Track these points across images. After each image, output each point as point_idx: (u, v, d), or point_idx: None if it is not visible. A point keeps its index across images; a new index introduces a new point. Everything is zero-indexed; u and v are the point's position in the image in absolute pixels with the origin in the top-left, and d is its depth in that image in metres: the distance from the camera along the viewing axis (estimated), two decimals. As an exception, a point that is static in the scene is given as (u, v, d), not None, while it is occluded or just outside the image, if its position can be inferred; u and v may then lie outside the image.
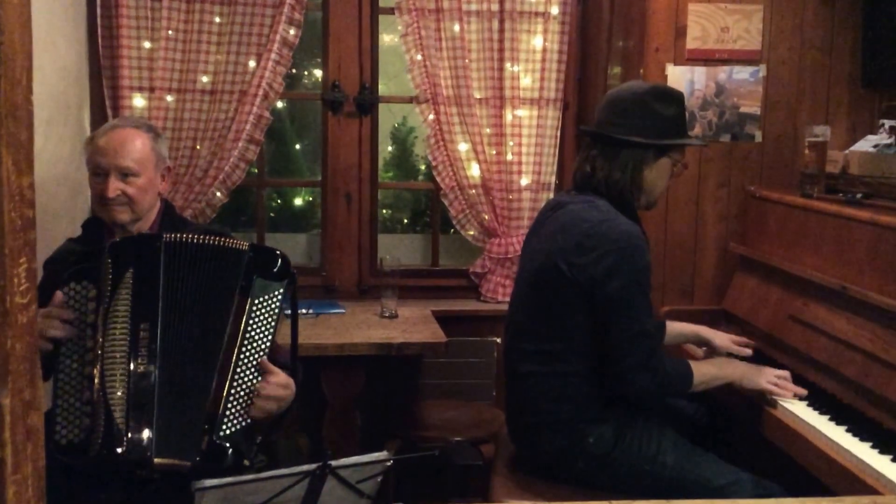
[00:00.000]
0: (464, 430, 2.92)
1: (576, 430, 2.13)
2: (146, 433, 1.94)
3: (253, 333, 2.01)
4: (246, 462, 2.00)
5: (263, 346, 2.02)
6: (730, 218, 3.04)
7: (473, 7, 3.29)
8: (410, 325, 2.98)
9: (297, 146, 3.77)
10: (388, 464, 1.77)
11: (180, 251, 2.02)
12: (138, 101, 3.19)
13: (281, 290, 2.04)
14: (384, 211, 3.72)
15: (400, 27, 3.29)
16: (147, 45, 3.18)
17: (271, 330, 2.03)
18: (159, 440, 1.94)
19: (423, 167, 3.58)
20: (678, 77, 2.97)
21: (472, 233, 3.40)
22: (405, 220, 3.88)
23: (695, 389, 2.17)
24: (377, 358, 2.80)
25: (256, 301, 2.01)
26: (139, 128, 2.28)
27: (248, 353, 2.00)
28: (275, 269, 2.05)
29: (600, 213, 2.14)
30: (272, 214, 3.72)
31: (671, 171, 2.26)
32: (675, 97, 2.26)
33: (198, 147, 3.19)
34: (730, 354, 2.42)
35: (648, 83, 2.41)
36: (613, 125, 2.20)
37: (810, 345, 2.36)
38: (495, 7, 3.29)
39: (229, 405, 1.97)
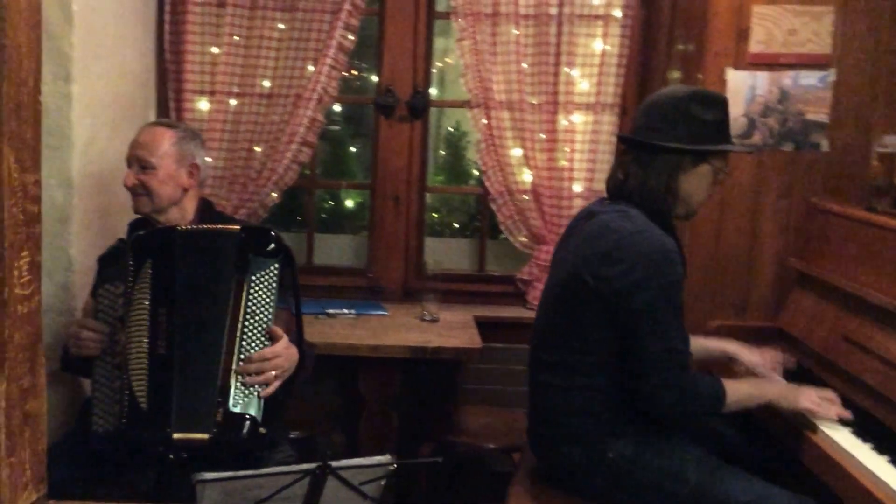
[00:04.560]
0: (498, 437, 2.91)
1: (596, 445, 2.09)
2: (165, 411, 2.06)
3: (253, 308, 2.14)
4: (262, 430, 2.09)
5: (265, 319, 2.15)
6: (790, 231, 2.90)
7: (530, 11, 3.27)
8: (449, 329, 2.99)
9: (352, 149, 3.82)
10: (391, 467, 1.79)
11: (189, 240, 2.18)
12: (202, 104, 3.30)
13: (276, 266, 2.18)
14: (433, 215, 3.74)
15: (455, 31, 3.30)
16: (212, 49, 3.28)
17: (270, 304, 2.17)
18: (177, 416, 2.06)
19: (474, 172, 3.58)
20: (739, 82, 2.86)
21: (520, 239, 3.39)
22: (454, 225, 3.89)
23: (728, 409, 2.08)
24: (415, 360, 2.83)
25: (253, 277, 2.15)
26: (170, 127, 2.48)
27: (250, 326, 2.14)
28: (268, 248, 2.19)
29: (631, 223, 2.09)
30: (324, 215, 3.78)
31: (713, 179, 2.18)
32: (717, 101, 2.17)
33: (254, 149, 3.28)
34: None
35: (690, 87, 2.34)
36: (649, 130, 2.14)
37: (862, 368, 2.24)
38: (553, 10, 3.26)
39: (238, 376, 2.10)
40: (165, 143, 2.40)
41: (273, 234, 2.21)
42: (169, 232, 2.23)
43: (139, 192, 2.39)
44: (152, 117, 3.27)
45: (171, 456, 2.07)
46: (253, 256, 2.16)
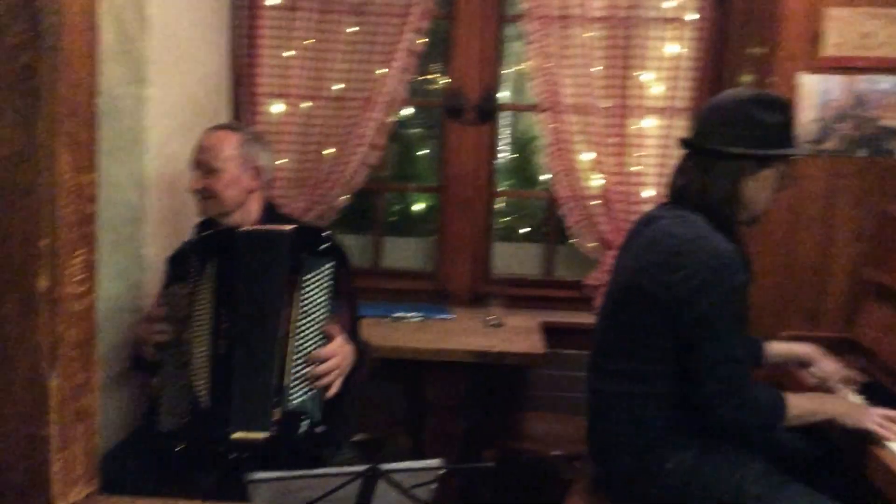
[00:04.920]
0: (563, 444, 2.86)
1: (654, 455, 2.03)
2: (224, 411, 2.09)
3: (307, 307, 2.16)
4: (320, 429, 2.11)
5: (319, 318, 2.16)
6: (864, 240, 2.78)
7: (602, 13, 3.22)
8: (514, 334, 2.96)
9: (423, 152, 3.82)
10: (443, 471, 1.77)
11: (247, 241, 2.21)
12: (274, 107, 3.34)
13: (329, 265, 2.19)
14: (502, 219, 3.70)
15: (525, 35, 3.27)
16: (285, 53, 3.32)
17: (324, 303, 2.17)
18: (235, 416, 2.09)
19: (544, 176, 3.54)
20: (811, 86, 2.77)
21: (589, 244, 3.32)
22: (523, 230, 3.85)
23: (789, 423, 2.01)
24: (481, 365, 2.80)
25: (307, 277, 2.17)
26: (233, 130, 2.52)
27: (305, 325, 2.15)
28: (320, 247, 2.20)
29: (692, 229, 2.03)
30: (392, 218, 3.78)
31: (776, 185, 2.10)
32: (781, 104, 2.10)
33: (324, 151, 3.31)
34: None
35: (752, 89, 2.27)
36: (711, 134, 2.08)
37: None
38: (623, 13, 3.20)
39: (293, 375, 2.11)
40: (229, 146, 2.43)
41: (325, 233, 2.23)
42: (230, 233, 2.26)
43: (204, 195, 2.42)
44: (225, 120, 3.34)
45: (231, 455, 2.10)
46: (306, 256, 2.17)
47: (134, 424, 2.65)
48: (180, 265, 2.33)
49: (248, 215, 2.45)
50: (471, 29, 3.37)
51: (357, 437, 2.69)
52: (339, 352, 2.17)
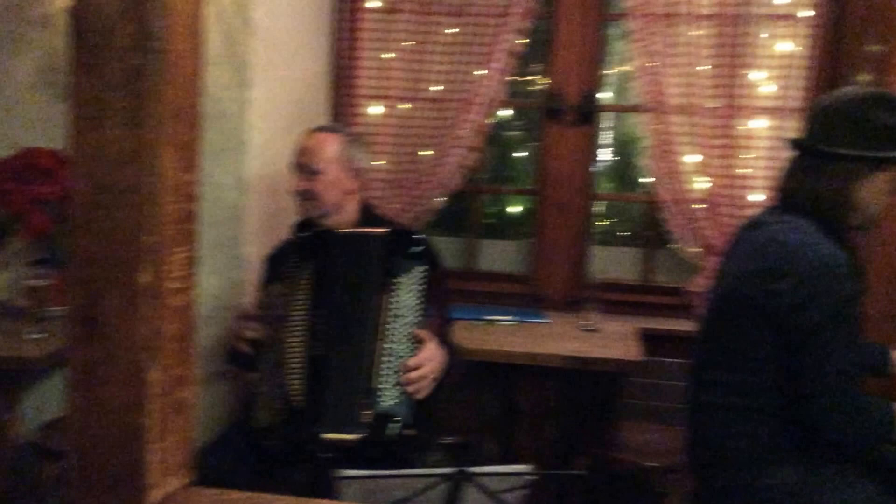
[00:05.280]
0: (659, 455, 2.78)
1: (755, 470, 1.95)
2: (318, 411, 2.13)
3: (399, 310, 2.17)
4: (411, 432, 2.12)
5: (410, 321, 2.17)
6: None
7: (710, 11, 3.12)
8: (610, 340, 2.90)
9: (519, 154, 3.79)
10: (532, 477, 1.74)
11: (343, 243, 2.25)
12: (373, 108, 3.38)
13: (421, 268, 2.20)
14: (600, 222, 3.64)
15: (629, 33, 3.20)
16: (384, 55, 3.35)
17: (416, 306, 2.19)
18: (327, 417, 2.12)
19: (645, 179, 3.46)
20: (934, 86, 2.62)
21: (691, 249, 3.23)
22: (622, 233, 3.77)
23: None
24: (575, 371, 2.76)
25: (398, 279, 2.18)
26: (334, 132, 2.54)
27: (396, 328, 2.16)
28: (413, 250, 2.22)
29: (800, 234, 1.94)
30: (488, 220, 3.77)
31: (891, 188, 1.99)
32: None
33: (420, 153, 3.32)
34: None
35: (867, 88, 2.15)
36: (822, 135, 1.98)
37: None
38: (734, 10, 3.10)
39: (384, 377, 2.13)
40: (330, 148, 2.45)
41: (417, 235, 2.24)
42: (327, 235, 2.29)
43: (305, 197, 2.45)
44: (324, 122, 3.39)
45: (322, 454, 2.13)
46: (398, 259, 2.19)
47: (230, 419, 2.72)
48: (278, 264, 2.38)
49: (346, 216, 2.47)
50: (572, 28, 3.33)
51: (446, 440, 2.69)
52: (430, 357, 2.17)
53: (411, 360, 2.14)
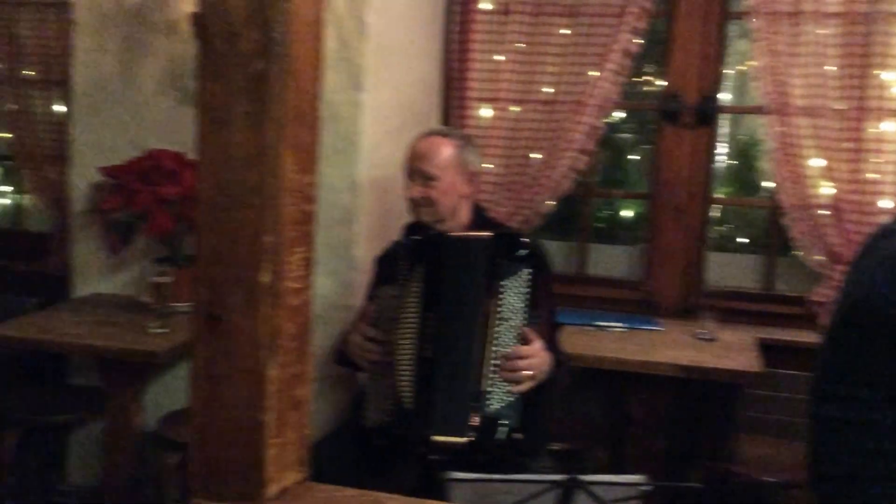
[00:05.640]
0: (778, 470, 2.67)
1: (881, 491, 1.84)
2: (428, 414, 2.14)
3: (505, 313, 2.16)
4: (518, 436, 2.09)
5: (516, 324, 2.16)
6: None
7: (838, 9, 2.98)
8: (727, 350, 2.80)
9: (632, 156, 3.72)
10: (646, 488, 1.70)
11: (453, 246, 2.25)
12: (484, 111, 3.38)
13: (527, 271, 2.17)
14: (718, 228, 3.53)
15: (750, 32, 3.10)
16: (496, 57, 3.35)
17: (522, 309, 2.17)
18: (437, 419, 2.13)
19: (766, 183, 3.33)
20: None
21: (815, 257, 3.09)
22: (741, 239, 3.64)
23: None
24: (689, 381, 2.68)
25: (504, 282, 2.17)
26: (448, 136, 2.53)
27: (503, 331, 2.15)
28: (519, 253, 2.19)
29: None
30: (599, 224, 3.71)
31: None
32: None
33: (531, 156, 3.29)
34: None
35: None
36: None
37: None
38: (864, 8, 2.95)
39: (491, 381, 2.13)
40: (445, 153, 2.44)
41: (523, 239, 2.23)
42: (439, 238, 2.30)
43: (421, 204, 2.44)
44: (435, 124, 3.40)
45: (431, 456, 2.14)
46: (504, 261, 2.18)
47: (341, 418, 2.77)
48: (388, 266, 2.40)
49: (458, 220, 2.47)
50: (691, 27, 3.24)
51: (554, 447, 2.65)
52: (535, 354, 2.15)
53: (515, 350, 2.13)
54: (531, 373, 2.15)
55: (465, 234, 2.32)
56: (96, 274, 3.21)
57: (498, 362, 2.14)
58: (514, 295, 2.17)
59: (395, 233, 2.72)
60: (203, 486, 1.43)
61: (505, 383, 2.13)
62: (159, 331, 2.70)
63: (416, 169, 2.44)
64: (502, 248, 2.20)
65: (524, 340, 2.16)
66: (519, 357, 2.13)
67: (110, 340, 2.64)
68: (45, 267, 3.57)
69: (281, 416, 1.43)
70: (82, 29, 3.12)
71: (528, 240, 2.24)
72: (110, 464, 2.78)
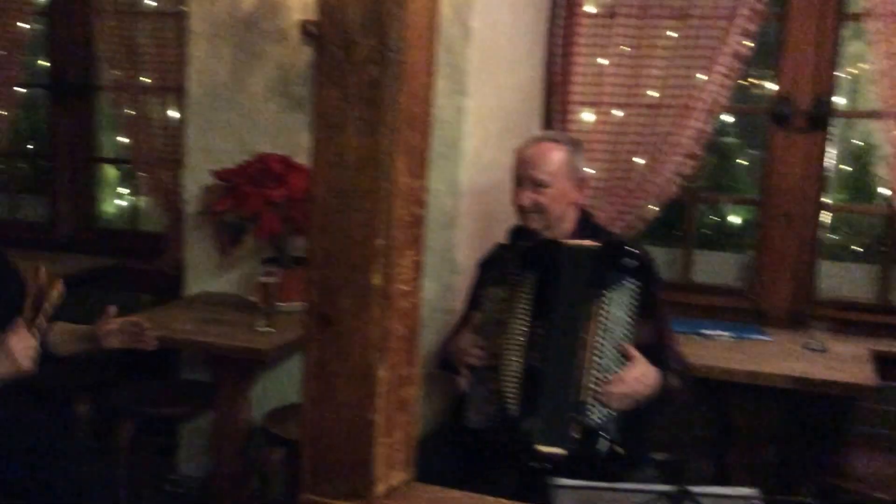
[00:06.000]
0: (892, 487, 2.55)
1: None
2: (532, 423, 2.13)
3: (609, 324, 2.12)
4: (620, 450, 2.06)
5: (620, 336, 2.12)
6: None
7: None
8: (839, 362, 2.70)
9: (741, 161, 3.62)
10: (755, 502, 1.65)
11: (568, 256, 2.21)
12: (586, 115, 3.35)
13: (635, 284, 2.13)
14: (831, 235, 3.40)
15: (865, 34, 2.98)
16: (599, 61, 3.31)
17: (626, 321, 2.12)
18: (542, 429, 2.10)
19: (883, 190, 3.19)
20: None
21: (936, 267, 2.95)
22: (855, 248, 3.50)
23: None
24: (796, 393, 2.59)
25: (609, 294, 2.12)
26: (559, 141, 2.48)
27: (605, 344, 2.12)
28: (627, 264, 2.14)
29: None
30: (705, 231, 3.62)
31: None
32: None
33: (635, 160, 3.25)
34: None
35: None
36: None
37: None
38: None
39: (591, 392, 2.10)
40: (557, 159, 2.40)
41: (631, 249, 2.17)
42: (554, 246, 2.26)
43: (532, 210, 2.40)
44: (537, 129, 3.39)
45: (533, 464, 2.13)
46: (611, 272, 2.14)
47: (439, 419, 2.78)
48: (489, 270, 2.40)
49: (565, 226, 2.44)
50: (804, 29, 3.13)
51: (657, 456, 2.61)
52: (637, 376, 2.11)
53: (615, 375, 2.09)
54: (630, 397, 2.11)
55: (578, 242, 2.26)
56: (206, 273, 3.33)
57: (598, 374, 2.11)
58: (618, 306, 2.13)
59: (496, 237, 2.72)
60: (313, 483, 1.47)
61: (603, 397, 2.10)
62: (265, 329, 2.78)
63: (527, 175, 2.39)
64: (609, 257, 2.16)
65: (626, 356, 2.12)
66: (620, 380, 2.09)
67: (220, 338, 2.73)
68: (158, 266, 3.71)
69: (389, 416, 1.45)
70: (197, 37, 3.24)
71: (636, 249, 2.19)
72: (218, 456, 2.87)
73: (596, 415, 2.10)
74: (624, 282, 2.14)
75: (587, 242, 2.25)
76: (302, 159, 2.99)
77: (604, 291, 2.14)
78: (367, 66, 1.38)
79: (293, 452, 2.66)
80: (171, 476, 3.35)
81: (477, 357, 2.26)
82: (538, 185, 2.37)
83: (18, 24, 3.87)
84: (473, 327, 2.32)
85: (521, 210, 2.42)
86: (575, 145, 2.50)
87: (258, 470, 2.84)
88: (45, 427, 2.41)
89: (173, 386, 3.29)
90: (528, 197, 2.38)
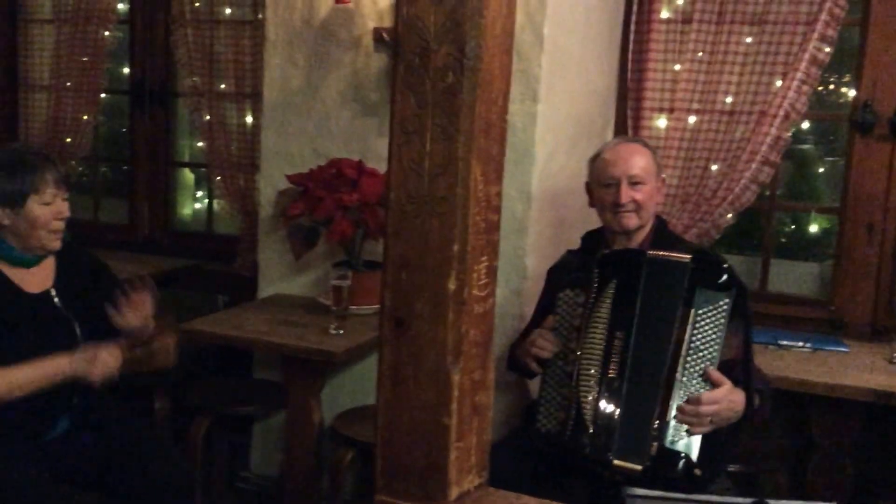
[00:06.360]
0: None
1: None
2: (609, 435, 2.10)
3: (697, 344, 2.07)
4: (697, 472, 2.03)
5: (708, 357, 2.06)
6: None
7: None
8: (924, 376, 2.61)
9: (820, 169, 3.53)
10: (836, 520, 1.61)
11: (651, 266, 2.16)
12: (660, 121, 3.31)
13: (725, 301, 2.07)
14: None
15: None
16: (673, 66, 3.28)
17: (716, 341, 2.07)
18: (619, 443, 2.07)
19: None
20: None
21: None
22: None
23: None
24: (880, 406, 2.52)
25: (700, 312, 2.07)
26: (639, 143, 2.53)
27: (692, 363, 2.07)
28: (718, 281, 2.08)
29: None
30: (783, 240, 3.54)
31: None
32: None
33: (710, 167, 3.20)
34: None
35: None
36: None
37: None
38: None
39: (675, 412, 2.06)
40: (648, 159, 2.43)
41: (726, 266, 2.12)
42: (636, 255, 2.24)
43: (630, 208, 2.39)
44: (610, 135, 3.37)
45: (606, 476, 2.11)
46: (701, 289, 2.09)
47: (511, 424, 2.78)
48: (561, 277, 2.39)
49: (643, 232, 2.44)
50: (887, 34, 3.04)
51: (732, 468, 2.56)
52: (722, 400, 2.06)
53: (698, 397, 2.05)
54: (715, 421, 2.07)
55: (666, 254, 2.20)
56: (279, 275, 3.39)
57: (683, 394, 2.06)
58: (710, 326, 2.08)
59: (566, 244, 2.71)
60: (387, 485, 1.48)
61: (685, 417, 2.06)
62: (338, 332, 2.82)
63: (622, 173, 2.40)
64: (701, 273, 2.10)
65: (712, 379, 2.07)
66: (705, 403, 2.05)
67: (293, 339, 2.78)
68: (233, 268, 3.79)
69: (463, 420, 1.46)
70: (273, 45, 3.30)
71: (727, 265, 2.13)
72: (290, 455, 2.92)
73: (678, 436, 2.06)
74: (715, 300, 2.08)
75: (676, 255, 2.18)
76: (374, 164, 3.02)
77: (696, 310, 2.08)
78: (444, 74, 1.40)
79: (363, 454, 2.69)
80: (244, 473, 3.42)
81: (547, 350, 2.24)
82: (635, 182, 2.39)
83: (102, 32, 4.01)
84: (547, 328, 2.31)
85: (617, 209, 2.39)
86: (652, 148, 2.53)
87: (328, 470, 2.87)
88: (125, 422, 2.49)
89: (247, 385, 3.35)
90: (627, 194, 2.37)
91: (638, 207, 2.38)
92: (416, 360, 1.45)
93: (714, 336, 2.07)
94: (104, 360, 2.29)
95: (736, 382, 2.10)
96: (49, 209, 2.34)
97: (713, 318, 2.08)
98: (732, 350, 2.11)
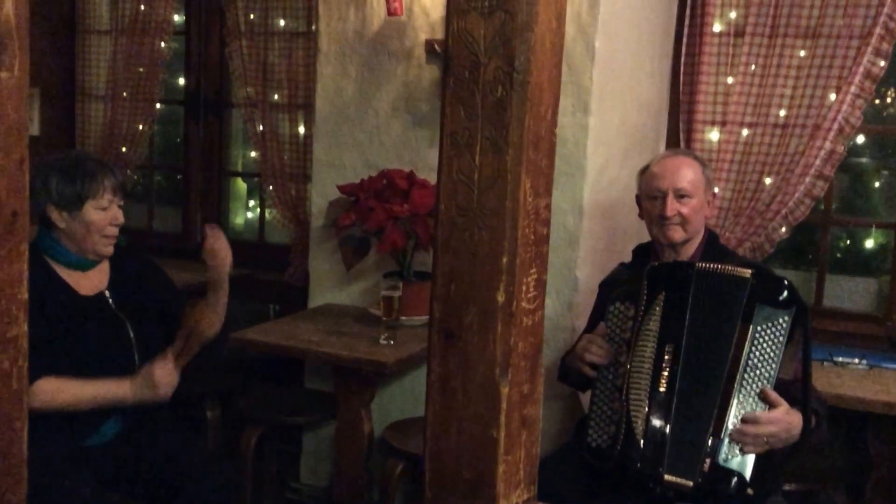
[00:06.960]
0: None
1: None
2: (660, 450, 2.07)
3: (755, 361, 2.03)
4: (749, 491, 2.00)
5: (766, 376, 2.02)
6: None
7: None
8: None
9: (876, 183, 3.45)
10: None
11: (703, 280, 2.12)
12: (712, 134, 3.28)
13: (786, 319, 2.02)
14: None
15: None
16: (726, 79, 3.25)
17: (774, 359, 2.02)
18: (670, 458, 2.05)
19: None
20: None
21: None
22: None
23: None
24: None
25: (759, 329, 2.03)
26: (689, 156, 2.50)
27: (749, 382, 2.03)
28: (780, 298, 2.04)
29: None
30: (838, 254, 3.47)
31: None
32: None
33: (764, 180, 3.15)
34: None
35: None
36: None
37: None
38: None
39: (729, 430, 2.02)
40: (696, 172, 2.41)
41: (787, 282, 2.07)
42: (686, 268, 2.20)
43: (675, 221, 2.38)
44: (661, 148, 3.35)
45: (657, 491, 2.09)
46: (761, 305, 2.04)
47: (562, 438, 2.77)
48: (613, 289, 2.37)
49: (693, 245, 2.42)
50: (945, 46, 2.98)
51: (787, 488, 2.51)
52: (779, 421, 2.02)
53: (754, 416, 2.02)
54: (770, 442, 2.03)
55: (721, 267, 2.16)
56: (330, 285, 3.42)
57: (738, 412, 2.03)
58: (769, 344, 2.03)
59: (617, 256, 2.69)
60: (436, 497, 1.48)
61: (739, 436, 2.03)
62: (388, 342, 2.83)
63: (669, 186, 2.38)
64: (761, 289, 2.06)
65: (769, 399, 2.03)
66: (761, 423, 2.02)
67: (344, 349, 2.80)
68: (284, 277, 3.83)
69: (512, 433, 1.46)
70: (326, 57, 3.35)
71: (789, 282, 2.08)
72: (340, 465, 2.93)
73: (731, 454, 2.02)
74: (775, 317, 2.04)
75: (732, 269, 2.14)
76: (425, 175, 3.04)
77: (756, 327, 2.04)
78: (493, 87, 1.40)
79: (413, 465, 2.69)
80: (294, 484, 3.44)
81: (601, 357, 2.23)
82: (681, 195, 2.37)
83: (158, 43, 4.10)
84: (599, 335, 2.30)
85: (663, 222, 2.38)
86: (702, 161, 2.50)
87: (378, 481, 2.89)
88: (177, 431, 2.53)
89: (298, 395, 3.39)
90: (673, 207, 2.36)
91: (683, 221, 2.37)
92: (464, 373, 1.45)
93: (772, 354, 2.03)
94: (163, 379, 2.34)
95: (793, 403, 2.05)
96: (105, 214, 2.39)
97: (772, 336, 2.03)
98: (791, 370, 2.06)
